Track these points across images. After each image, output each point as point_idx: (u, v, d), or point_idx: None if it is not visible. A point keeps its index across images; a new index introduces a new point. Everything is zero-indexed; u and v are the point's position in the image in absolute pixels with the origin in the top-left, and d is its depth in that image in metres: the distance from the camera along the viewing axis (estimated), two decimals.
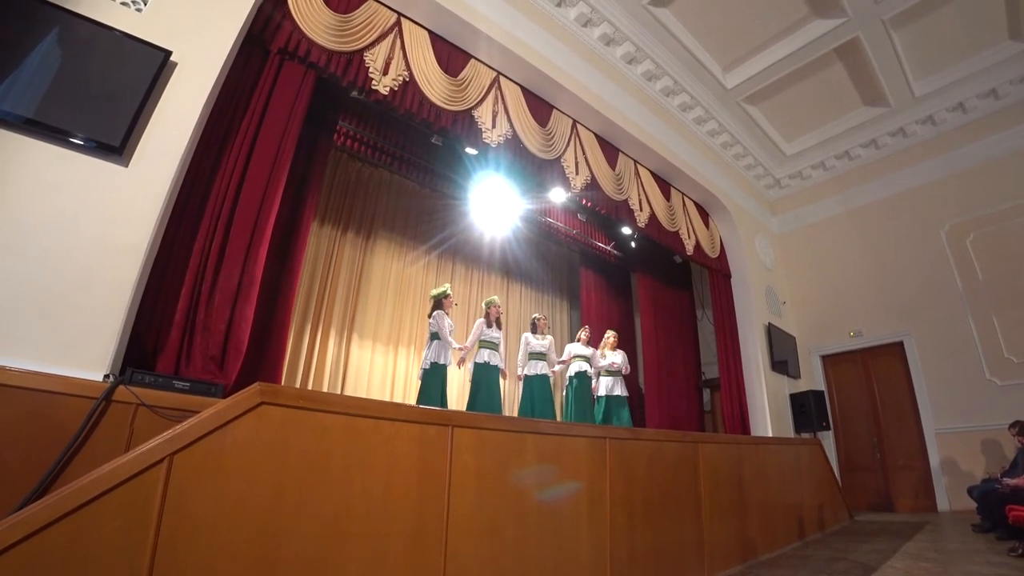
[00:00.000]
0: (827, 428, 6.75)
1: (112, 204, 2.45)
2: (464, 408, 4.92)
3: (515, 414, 5.87)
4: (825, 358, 7.38)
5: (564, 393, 5.83)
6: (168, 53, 2.71)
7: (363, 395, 5.54)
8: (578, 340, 5.80)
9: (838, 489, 5.78)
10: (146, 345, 2.66)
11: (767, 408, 6.31)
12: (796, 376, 7.10)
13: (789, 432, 6.60)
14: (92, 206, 2.40)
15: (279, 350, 3.56)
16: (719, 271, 7.03)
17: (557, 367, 5.62)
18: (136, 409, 1.99)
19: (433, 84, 4.15)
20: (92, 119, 2.45)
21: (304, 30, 3.52)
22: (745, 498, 3.88)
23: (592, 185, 5.33)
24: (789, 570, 3.36)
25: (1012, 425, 4.59)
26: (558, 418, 6.03)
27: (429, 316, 4.71)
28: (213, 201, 3.04)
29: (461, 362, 4.84)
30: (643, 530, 2.86)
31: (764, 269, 7.42)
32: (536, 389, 5.16)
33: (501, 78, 4.78)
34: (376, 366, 5.98)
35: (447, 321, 4.66)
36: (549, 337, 5.53)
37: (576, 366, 5.59)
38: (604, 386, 5.61)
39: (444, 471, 2.08)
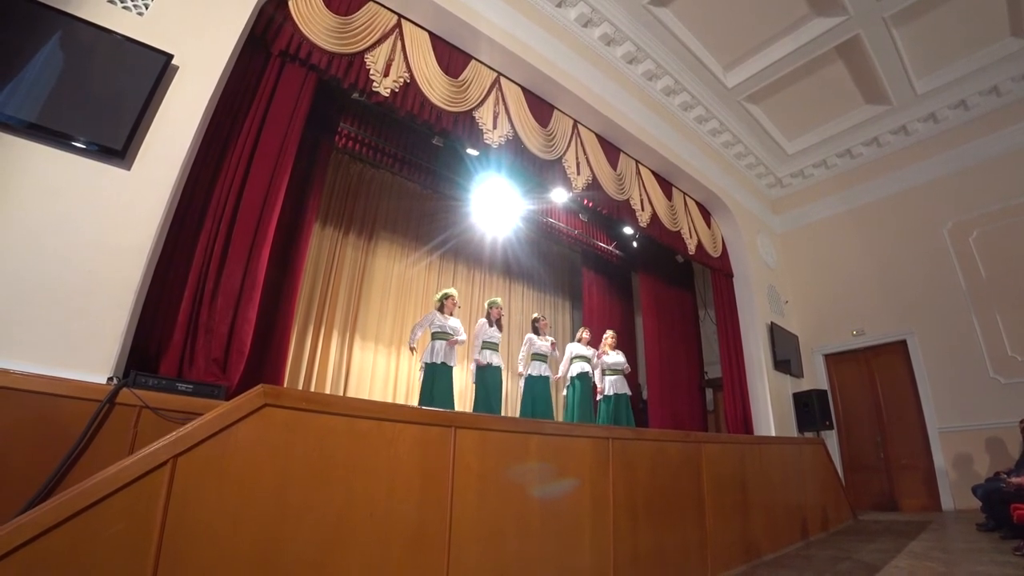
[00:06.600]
0: (830, 427, 6.72)
1: (115, 207, 2.46)
2: (468, 409, 4.93)
3: (515, 415, 5.86)
4: (828, 357, 7.35)
5: (565, 394, 5.82)
6: (170, 56, 2.71)
7: (365, 397, 5.55)
8: (578, 340, 5.80)
9: (842, 488, 5.76)
10: (149, 348, 2.66)
11: (770, 408, 6.29)
12: (799, 375, 7.08)
13: (792, 431, 6.58)
14: (95, 209, 2.41)
15: (282, 352, 3.57)
16: (721, 270, 7.02)
17: (561, 371, 5.63)
18: (140, 412, 1.99)
19: (434, 85, 4.16)
20: (94, 123, 2.46)
21: (305, 32, 3.53)
22: (748, 498, 3.86)
23: (593, 185, 5.33)
24: (793, 570, 3.34)
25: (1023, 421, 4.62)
26: (557, 419, 6.02)
27: None
28: (215, 203, 3.05)
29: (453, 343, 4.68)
30: (646, 530, 2.85)
31: (766, 268, 7.41)
32: (537, 390, 5.16)
33: (502, 79, 4.78)
34: (378, 367, 5.98)
35: (435, 317, 4.69)
36: (550, 338, 5.54)
37: (578, 367, 5.58)
38: (610, 385, 5.60)
39: (447, 473, 2.08)
